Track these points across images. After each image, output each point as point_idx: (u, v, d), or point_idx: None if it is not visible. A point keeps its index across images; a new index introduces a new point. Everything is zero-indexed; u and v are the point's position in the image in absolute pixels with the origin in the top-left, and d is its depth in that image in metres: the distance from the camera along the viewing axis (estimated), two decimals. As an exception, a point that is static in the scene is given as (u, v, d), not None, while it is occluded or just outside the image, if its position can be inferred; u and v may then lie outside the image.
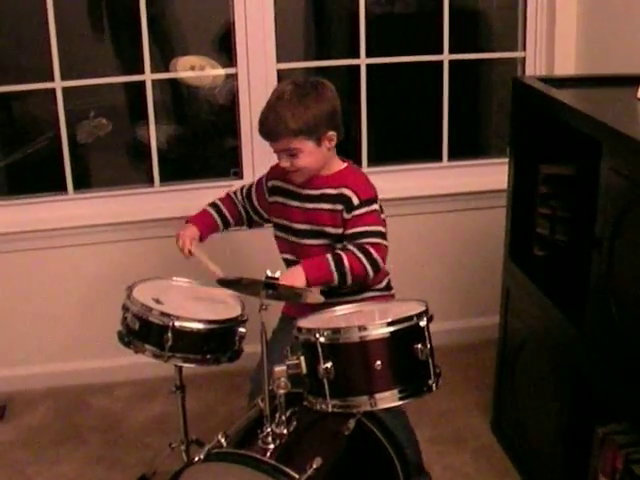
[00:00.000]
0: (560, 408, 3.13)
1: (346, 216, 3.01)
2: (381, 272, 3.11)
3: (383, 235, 3.01)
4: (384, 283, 3.20)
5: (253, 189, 3.29)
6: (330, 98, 3.01)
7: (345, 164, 3.13)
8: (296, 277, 2.86)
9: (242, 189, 3.33)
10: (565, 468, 3.16)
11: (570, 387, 3.04)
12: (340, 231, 3.04)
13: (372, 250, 2.94)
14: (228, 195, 3.35)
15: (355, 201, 3.00)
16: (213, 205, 3.33)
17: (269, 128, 2.97)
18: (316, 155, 3.00)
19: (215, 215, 3.30)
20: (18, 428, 3.98)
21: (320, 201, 3.06)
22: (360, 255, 2.92)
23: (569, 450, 3.12)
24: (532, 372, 3.41)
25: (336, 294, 3.03)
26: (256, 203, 3.27)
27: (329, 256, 2.93)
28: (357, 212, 3.00)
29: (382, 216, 3.07)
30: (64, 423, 4.01)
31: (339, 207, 3.03)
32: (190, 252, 3.19)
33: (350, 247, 2.94)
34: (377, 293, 3.17)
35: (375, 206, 3.03)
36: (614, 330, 2.71)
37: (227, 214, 3.31)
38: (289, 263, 3.13)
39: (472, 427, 3.90)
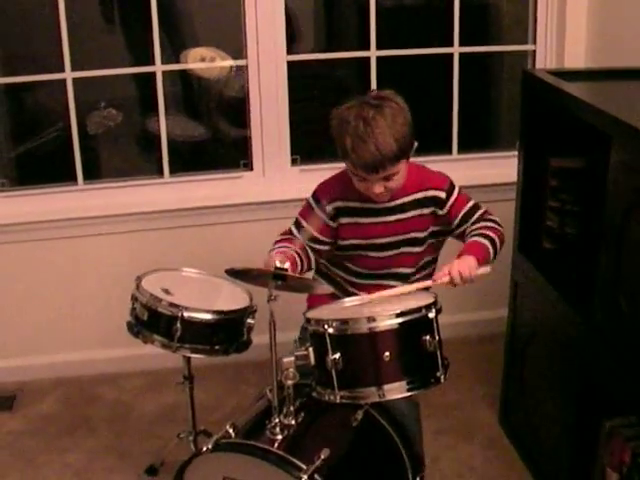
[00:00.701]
0: (568, 401, 3.14)
1: (441, 212, 3.04)
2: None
3: (480, 205, 3.12)
4: None
5: (306, 224, 3.04)
6: (404, 106, 2.91)
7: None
8: (469, 263, 2.84)
9: (292, 231, 3.07)
10: (572, 461, 3.16)
11: (578, 380, 3.04)
12: (424, 234, 3.05)
13: (489, 215, 3.08)
14: (288, 238, 3.04)
15: (442, 195, 3.04)
16: (285, 246, 2.98)
17: (373, 160, 2.80)
18: (406, 170, 2.95)
19: (293, 253, 2.95)
20: (27, 418, 3.99)
21: (404, 210, 3.02)
22: (495, 225, 3.04)
23: (576, 443, 3.12)
24: (540, 365, 3.41)
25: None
26: (316, 234, 3.04)
27: (482, 240, 2.96)
28: (451, 202, 3.05)
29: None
30: (73, 413, 4.02)
31: (426, 211, 3.03)
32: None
33: (478, 226, 3.03)
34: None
35: (456, 185, 3.09)
36: (622, 323, 2.71)
37: (299, 252, 2.99)
38: (368, 277, 3.10)
39: (480, 420, 3.90)
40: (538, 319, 3.41)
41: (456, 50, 4.29)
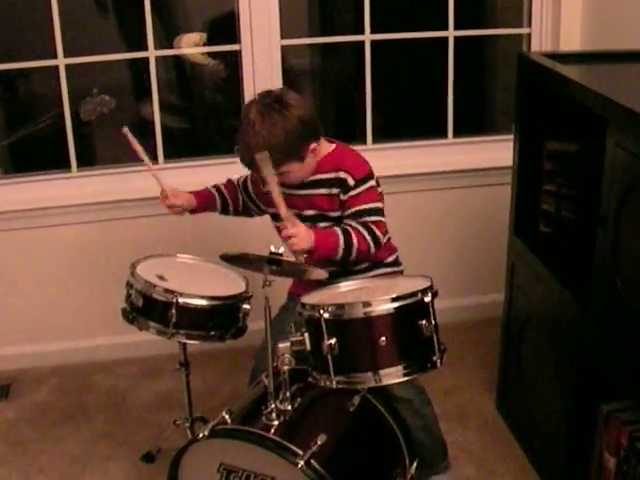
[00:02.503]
0: (564, 385, 3.13)
1: (343, 197, 2.98)
2: (389, 247, 3.13)
3: (382, 212, 3.00)
4: (392, 258, 3.18)
5: (249, 178, 3.23)
6: (294, 114, 2.89)
7: (333, 145, 3.07)
8: (304, 237, 2.81)
9: (239, 179, 3.29)
10: (569, 445, 3.16)
11: (574, 364, 3.03)
12: (338, 214, 3.01)
13: (374, 227, 2.93)
14: (229, 180, 3.32)
15: (351, 182, 2.96)
16: (214, 186, 3.30)
17: (246, 160, 2.91)
18: (304, 168, 2.96)
19: (215, 194, 3.27)
20: (23, 406, 3.99)
21: (316, 187, 3.02)
22: (364, 232, 2.91)
23: (573, 427, 3.12)
24: (537, 349, 3.41)
25: (348, 272, 3.03)
26: (252, 191, 3.22)
27: (338, 230, 2.90)
28: (354, 192, 2.96)
29: (379, 189, 3.05)
30: (69, 401, 4.02)
31: (335, 190, 2.99)
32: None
33: (354, 224, 2.92)
34: (388, 269, 3.16)
35: (371, 182, 3.00)
36: (619, 307, 2.70)
37: (227, 196, 3.26)
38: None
39: (477, 404, 3.90)
40: (534, 303, 3.40)
41: (451, 34, 4.26)
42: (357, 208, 2.96)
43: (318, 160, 3.00)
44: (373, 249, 2.93)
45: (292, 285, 3.27)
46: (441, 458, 3.27)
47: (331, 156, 3.03)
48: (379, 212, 2.98)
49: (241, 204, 3.28)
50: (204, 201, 3.25)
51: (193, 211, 3.25)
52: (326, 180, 3.00)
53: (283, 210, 2.83)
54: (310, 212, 3.04)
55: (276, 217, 3.06)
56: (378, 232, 2.93)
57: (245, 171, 3.08)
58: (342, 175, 2.97)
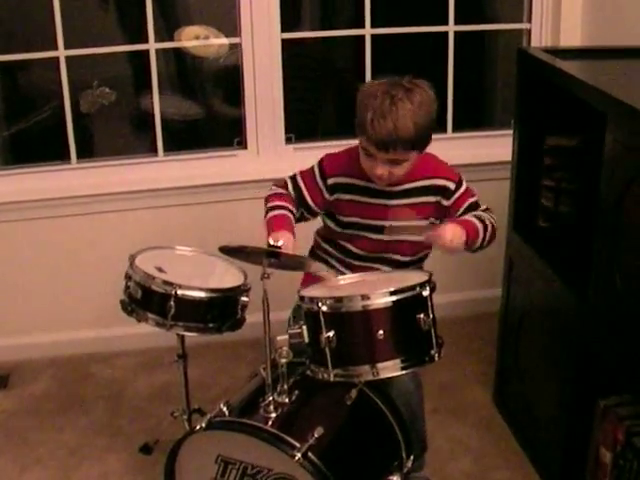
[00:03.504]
0: (562, 380, 3.14)
1: (447, 203, 3.03)
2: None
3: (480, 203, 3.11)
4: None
5: (303, 188, 3.04)
6: (434, 99, 2.90)
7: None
8: (458, 234, 2.85)
9: (288, 186, 3.07)
10: (566, 440, 3.16)
11: (572, 359, 3.04)
12: (432, 220, 3.03)
13: (492, 215, 3.06)
14: (283, 195, 3.04)
15: (452, 186, 3.03)
16: (282, 208, 2.99)
17: (387, 137, 2.77)
18: (413, 163, 2.93)
19: (291, 217, 2.99)
20: (21, 397, 3.99)
21: (408, 196, 3.00)
22: (488, 217, 3.02)
23: (571, 422, 3.13)
24: (534, 344, 3.41)
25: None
26: (310, 202, 3.04)
27: (476, 220, 2.97)
28: (458, 193, 3.04)
29: None
30: (67, 392, 4.02)
31: (432, 199, 3.01)
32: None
33: (482, 213, 3.02)
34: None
35: (464, 180, 3.08)
36: (617, 302, 2.70)
37: (294, 211, 3.03)
38: (362, 259, 3.09)
39: (474, 399, 3.91)
40: (532, 298, 3.41)
41: (451, 28, 4.27)
42: (467, 203, 3.06)
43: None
44: (496, 229, 3.05)
45: (303, 279, 3.21)
46: (418, 455, 3.19)
47: (419, 162, 2.98)
48: (479, 203, 3.10)
49: (297, 214, 3.06)
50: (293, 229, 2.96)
51: None
52: (420, 188, 3.01)
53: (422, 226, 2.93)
54: (389, 223, 2.99)
55: (347, 226, 3.07)
56: (494, 217, 3.06)
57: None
58: (440, 182, 3.03)
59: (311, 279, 3.03)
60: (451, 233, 2.83)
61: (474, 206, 3.06)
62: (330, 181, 3.02)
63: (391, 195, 3.00)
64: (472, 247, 2.97)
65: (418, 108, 2.79)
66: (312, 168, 3.07)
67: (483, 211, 3.06)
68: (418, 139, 2.82)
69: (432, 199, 3.02)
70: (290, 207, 3.00)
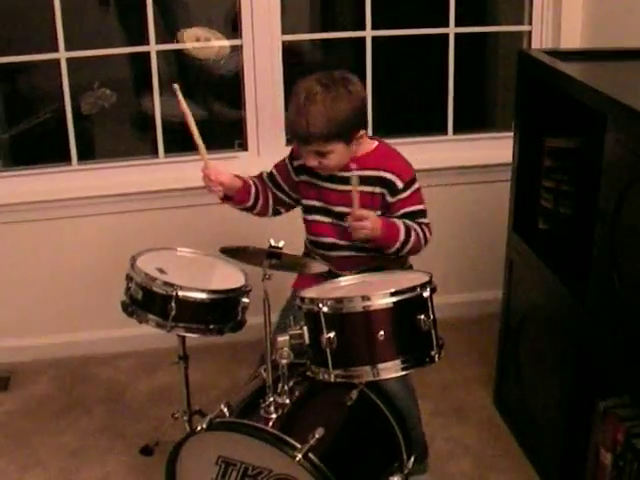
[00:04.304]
0: (562, 381, 3.14)
1: (390, 199, 2.98)
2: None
3: (426, 214, 3.05)
4: (409, 263, 3.19)
5: (274, 172, 3.18)
6: (359, 93, 2.92)
7: (375, 143, 3.06)
8: (375, 222, 2.85)
9: (263, 173, 3.23)
10: (566, 441, 3.16)
11: (572, 360, 3.04)
12: (378, 213, 2.99)
13: (426, 230, 3.00)
14: (259, 174, 3.23)
15: (399, 184, 2.97)
16: (250, 177, 3.21)
17: (301, 133, 2.87)
18: (345, 154, 2.93)
19: (252, 185, 3.17)
20: (22, 398, 3.99)
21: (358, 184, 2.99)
22: (420, 233, 2.97)
23: (570, 424, 3.13)
24: (534, 345, 3.42)
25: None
26: (281, 182, 3.16)
27: (401, 225, 2.93)
28: (403, 195, 2.98)
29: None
30: (68, 394, 4.02)
31: (378, 190, 2.98)
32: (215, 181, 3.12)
33: (412, 224, 2.96)
34: None
35: (417, 184, 3.02)
36: (617, 303, 2.71)
37: (259, 188, 3.17)
38: (325, 247, 3.09)
39: (474, 400, 3.91)
40: (533, 299, 3.41)
41: (452, 30, 4.27)
42: (407, 210, 2.98)
43: (359, 155, 2.98)
44: (422, 249, 3.02)
45: (296, 280, 3.26)
46: (420, 459, 3.23)
47: (375, 154, 3.02)
48: (425, 214, 3.04)
49: (271, 200, 3.19)
50: (243, 187, 3.15)
51: (228, 198, 3.16)
52: (368, 177, 2.97)
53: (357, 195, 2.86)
54: (340, 209, 3.02)
55: (315, 209, 3.09)
56: (429, 235, 3.01)
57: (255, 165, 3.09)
58: (388, 176, 2.97)
59: (305, 279, 3.06)
60: (370, 220, 2.85)
61: (414, 215, 3.00)
62: (296, 163, 3.10)
63: (342, 180, 3.00)
64: (385, 250, 2.96)
65: (333, 102, 2.82)
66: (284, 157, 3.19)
67: (420, 224, 2.99)
68: (334, 133, 2.84)
69: (378, 190, 2.98)
70: (257, 182, 3.18)
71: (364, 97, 2.96)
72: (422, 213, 3.02)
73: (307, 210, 3.12)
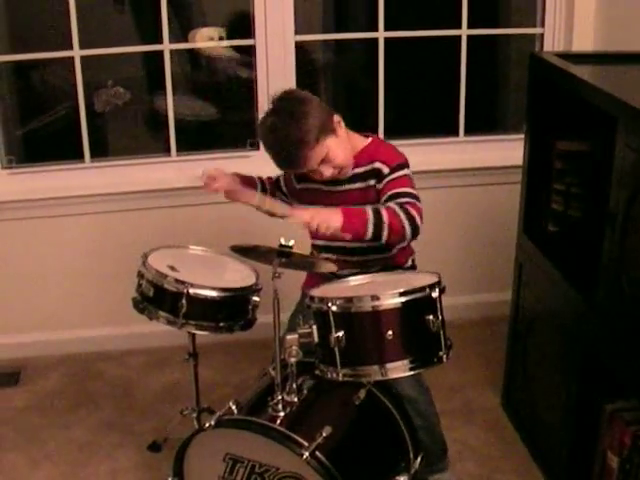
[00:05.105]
0: (569, 384, 3.14)
1: (379, 186, 2.95)
2: (407, 251, 3.13)
3: (416, 197, 2.88)
4: (409, 262, 3.18)
5: (281, 176, 3.21)
6: (305, 100, 2.92)
7: (369, 139, 3.07)
8: (332, 216, 2.74)
9: (273, 177, 3.26)
10: (573, 444, 3.17)
11: (580, 363, 3.04)
12: None
13: (409, 207, 2.81)
14: (269, 177, 3.26)
15: (385, 170, 2.94)
16: (258, 177, 3.25)
17: (293, 167, 2.93)
18: (343, 145, 2.94)
19: (258, 183, 3.22)
20: (32, 394, 4.02)
21: (353, 181, 3.00)
22: (399, 212, 2.78)
23: (578, 426, 3.13)
24: (543, 348, 3.42)
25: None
26: (282, 185, 3.20)
27: (368, 208, 2.81)
28: (389, 178, 2.93)
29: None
30: (77, 389, 4.04)
31: (371, 182, 2.97)
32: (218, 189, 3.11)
33: (389, 204, 2.83)
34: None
35: (406, 171, 2.96)
36: (626, 306, 2.71)
37: (267, 187, 3.22)
38: (321, 249, 3.09)
39: (482, 401, 3.91)
40: (542, 301, 3.41)
41: (464, 32, 4.28)
42: (391, 192, 2.89)
43: (355, 153, 2.99)
44: (409, 231, 2.78)
45: (305, 281, 3.27)
46: (440, 457, 3.27)
47: (367, 150, 3.03)
48: (413, 196, 2.87)
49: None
50: (247, 184, 3.15)
51: (229, 195, 3.13)
52: (362, 173, 2.99)
53: (280, 210, 2.88)
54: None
55: None
56: (413, 211, 2.80)
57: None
58: (377, 165, 2.96)
59: (314, 279, 3.07)
60: (327, 214, 2.76)
61: (397, 196, 2.87)
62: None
63: (339, 182, 3.00)
64: (361, 238, 2.80)
65: (290, 121, 2.83)
66: None
67: (400, 204, 2.82)
68: (313, 137, 2.83)
69: (372, 182, 2.97)
70: (265, 180, 3.22)
71: (312, 97, 2.95)
72: (408, 194, 2.87)
73: None
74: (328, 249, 3.04)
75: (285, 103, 2.90)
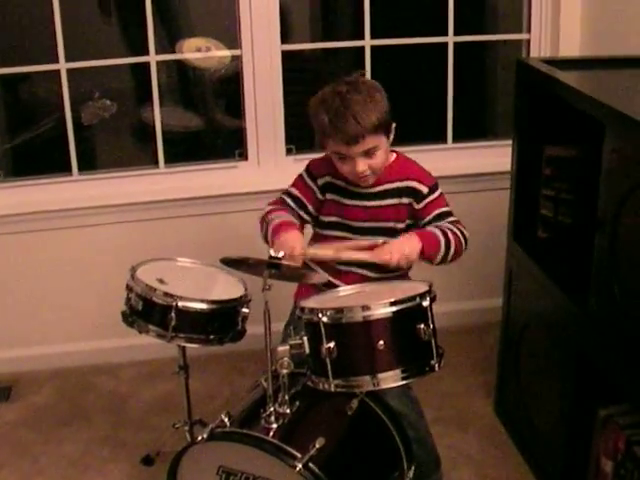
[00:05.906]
0: (563, 390, 3.14)
1: (417, 206, 2.99)
2: None
3: (454, 215, 3.05)
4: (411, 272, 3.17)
5: (297, 194, 3.08)
6: (379, 86, 2.94)
7: (394, 154, 3.07)
8: (413, 245, 2.83)
9: (285, 200, 3.09)
10: (567, 449, 3.17)
11: (573, 368, 3.04)
12: (402, 225, 3.01)
13: (460, 226, 2.99)
14: (280, 208, 3.07)
15: (424, 190, 2.99)
16: (283, 213, 3.04)
17: (352, 131, 2.82)
18: (386, 150, 2.95)
19: (295, 220, 3.04)
20: (24, 408, 4.00)
21: (384, 197, 3.00)
22: (458, 233, 2.96)
23: (571, 432, 3.13)
24: (535, 354, 3.42)
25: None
26: (307, 203, 3.08)
27: (437, 231, 2.92)
28: (430, 198, 3.00)
29: None
30: (69, 404, 4.03)
31: (405, 200, 2.99)
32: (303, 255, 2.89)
33: (440, 224, 2.96)
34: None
35: (440, 190, 3.04)
36: (617, 311, 2.71)
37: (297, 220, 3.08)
38: (344, 262, 3.05)
39: (475, 408, 3.91)
40: (533, 308, 3.41)
41: (451, 39, 4.28)
42: (437, 212, 3.00)
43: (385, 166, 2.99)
44: (464, 247, 2.99)
45: (297, 291, 3.24)
46: (434, 470, 3.24)
47: (395, 165, 3.04)
48: (453, 214, 3.04)
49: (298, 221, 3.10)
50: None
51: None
52: (394, 190, 3.00)
53: (362, 256, 2.88)
54: (366, 224, 3.02)
55: (326, 225, 3.09)
56: (464, 229, 2.99)
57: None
58: (413, 184, 2.99)
59: (306, 289, 3.06)
60: (408, 243, 2.84)
61: (444, 216, 3.01)
62: (320, 181, 3.06)
63: (369, 196, 3.01)
64: (433, 260, 2.93)
65: (368, 95, 2.85)
66: (300, 175, 3.12)
67: (452, 223, 2.99)
68: (380, 122, 2.85)
69: (405, 201, 3.00)
70: (291, 214, 3.04)
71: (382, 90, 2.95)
72: (451, 214, 3.03)
73: (324, 225, 3.10)
74: (347, 262, 3.04)
75: (362, 82, 2.91)
